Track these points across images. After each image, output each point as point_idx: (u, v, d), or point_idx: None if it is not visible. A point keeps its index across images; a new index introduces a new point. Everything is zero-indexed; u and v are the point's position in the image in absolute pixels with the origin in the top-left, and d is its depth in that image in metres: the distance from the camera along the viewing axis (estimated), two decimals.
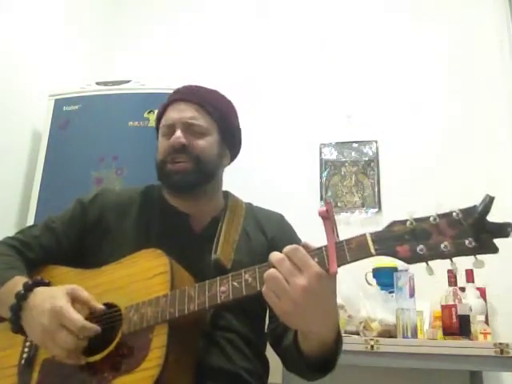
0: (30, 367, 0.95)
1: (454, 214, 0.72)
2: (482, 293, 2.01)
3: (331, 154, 2.62)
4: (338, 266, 0.76)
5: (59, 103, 2.34)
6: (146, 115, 2.23)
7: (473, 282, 1.96)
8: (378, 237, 0.76)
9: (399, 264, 2.06)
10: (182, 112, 1.14)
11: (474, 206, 0.72)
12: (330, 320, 0.83)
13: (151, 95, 2.30)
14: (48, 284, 0.98)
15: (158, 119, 1.20)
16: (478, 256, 0.70)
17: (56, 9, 2.61)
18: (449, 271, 1.95)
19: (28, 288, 0.94)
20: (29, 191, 2.25)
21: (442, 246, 0.71)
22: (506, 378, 2.09)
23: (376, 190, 2.50)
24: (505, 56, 2.52)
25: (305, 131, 2.66)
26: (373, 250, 0.75)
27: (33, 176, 2.26)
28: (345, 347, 1.87)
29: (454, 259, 0.73)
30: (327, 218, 0.79)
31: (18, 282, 0.97)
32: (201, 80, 2.65)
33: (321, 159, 2.61)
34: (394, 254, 0.74)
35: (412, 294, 1.85)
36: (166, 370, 0.82)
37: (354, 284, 1.96)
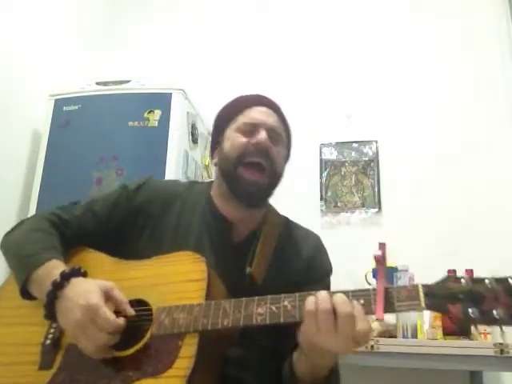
0: (54, 349, 0.95)
1: (511, 280, 0.72)
2: None
3: (331, 154, 2.62)
4: (385, 313, 0.76)
5: (59, 103, 2.34)
6: (146, 115, 2.23)
7: None
8: (430, 291, 0.76)
9: (399, 264, 2.07)
10: (268, 116, 1.12)
11: None
12: (333, 358, 0.89)
13: (151, 95, 2.30)
14: (85, 274, 0.98)
15: (229, 118, 1.15)
16: None
17: (56, 9, 2.61)
18: (449, 271, 1.95)
19: (65, 277, 0.93)
20: (29, 191, 2.25)
21: (495, 312, 0.71)
22: (506, 378, 2.09)
23: (376, 190, 2.50)
24: (505, 56, 2.52)
25: (305, 131, 2.66)
26: (423, 304, 0.74)
27: (33, 176, 2.26)
28: None
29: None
30: (382, 263, 0.79)
31: (56, 266, 0.96)
32: (200, 80, 2.66)
33: (321, 159, 2.61)
34: (446, 312, 0.74)
35: None
36: (192, 381, 0.81)
37: (354, 284, 1.96)
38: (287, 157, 1.19)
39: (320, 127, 2.65)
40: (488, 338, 1.83)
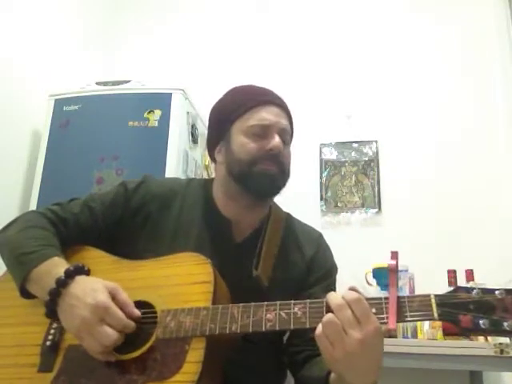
0: (54, 351, 0.92)
1: None
2: None
3: (331, 154, 2.62)
4: (397, 322, 0.75)
5: (59, 103, 2.34)
6: (146, 115, 2.23)
7: (473, 281, 1.96)
8: (442, 300, 0.75)
9: (399, 264, 2.07)
10: (279, 117, 1.09)
11: None
12: (372, 375, 0.80)
13: (151, 95, 2.30)
14: (88, 272, 0.96)
15: (234, 115, 1.09)
16: None
17: (56, 9, 2.61)
18: (449, 271, 1.95)
19: (69, 275, 0.91)
20: (29, 191, 2.25)
21: (506, 324, 0.71)
22: (506, 378, 2.09)
23: (376, 189, 2.50)
24: (505, 56, 2.52)
25: (305, 131, 2.66)
26: (436, 314, 0.74)
27: (33, 176, 2.26)
28: None
29: None
30: (395, 272, 0.78)
31: (58, 264, 0.94)
32: (200, 80, 2.66)
33: (321, 159, 2.61)
34: (457, 323, 0.73)
35: None
36: None
37: (354, 284, 1.96)
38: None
39: (320, 127, 2.65)
40: (488, 338, 1.83)
